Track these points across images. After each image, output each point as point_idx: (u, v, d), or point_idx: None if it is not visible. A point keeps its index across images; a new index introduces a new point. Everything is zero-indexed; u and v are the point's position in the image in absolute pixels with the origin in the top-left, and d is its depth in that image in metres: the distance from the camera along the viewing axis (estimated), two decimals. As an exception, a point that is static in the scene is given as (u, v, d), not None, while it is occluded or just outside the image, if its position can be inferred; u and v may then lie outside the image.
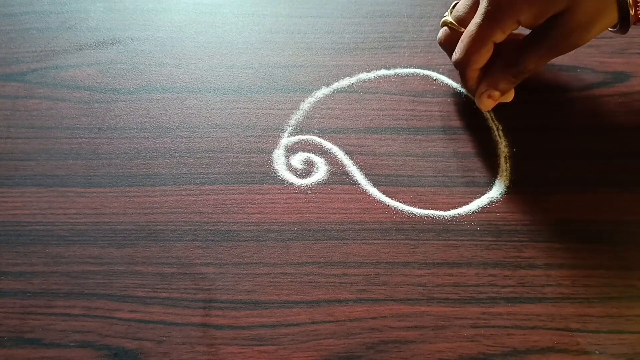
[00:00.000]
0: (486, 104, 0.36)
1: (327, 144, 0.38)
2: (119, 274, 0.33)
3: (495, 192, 0.36)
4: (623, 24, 0.31)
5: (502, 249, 0.34)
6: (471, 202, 0.35)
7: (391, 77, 0.41)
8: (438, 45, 0.39)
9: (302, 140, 0.38)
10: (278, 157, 0.37)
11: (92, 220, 0.35)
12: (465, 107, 0.39)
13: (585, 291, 0.32)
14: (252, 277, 0.33)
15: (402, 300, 0.32)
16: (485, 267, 0.33)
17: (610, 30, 0.33)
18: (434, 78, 0.41)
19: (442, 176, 0.36)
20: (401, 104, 0.40)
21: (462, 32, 0.34)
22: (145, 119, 0.39)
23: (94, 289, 0.32)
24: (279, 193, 0.36)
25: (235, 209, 0.35)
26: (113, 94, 0.40)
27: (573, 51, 0.42)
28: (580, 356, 0.30)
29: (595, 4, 0.30)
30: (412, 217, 0.35)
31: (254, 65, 0.41)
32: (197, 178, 0.36)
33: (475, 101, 0.36)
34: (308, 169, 0.37)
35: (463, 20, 0.34)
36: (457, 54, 0.34)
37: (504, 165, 0.37)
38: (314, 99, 0.40)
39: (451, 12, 0.36)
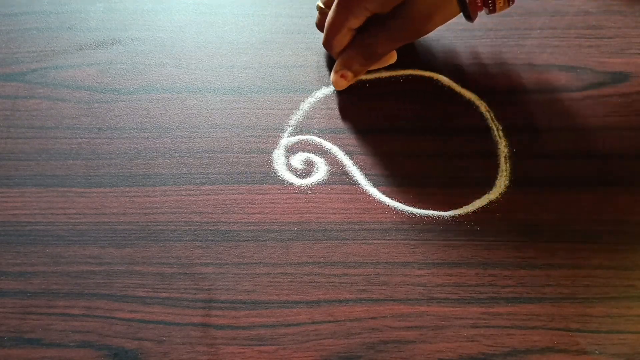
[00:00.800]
0: (339, 84, 0.38)
1: (327, 144, 0.38)
2: (119, 274, 0.33)
3: (495, 192, 0.36)
4: (465, 14, 0.34)
5: (502, 249, 0.34)
6: (471, 202, 0.35)
7: (391, 77, 0.41)
8: (437, 45, 0.39)
9: (302, 140, 0.38)
10: (278, 157, 0.37)
11: (92, 220, 0.35)
12: (465, 107, 0.39)
13: (585, 291, 0.32)
14: (252, 277, 0.33)
15: (402, 300, 0.32)
16: (485, 267, 0.33)
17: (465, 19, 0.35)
18: (434, 78, 0.41)
19: (442, 176, 0.36)
20: (401, 104, 0.40)
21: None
22: (145, 119, 0.39)
23: (94, 289, 0.32)
24: (279, 193, 0.36)
25: (235, 209, 0.35)
26: (113, 94, 0.40)
27: (573, 51, 0.42)
28: (580, 356, 0.30)
29: None
30: (412, 217, 0.35)
31: (254, 65, 0.41)
32: (197, 178, 0.36)
33: (331, 78, 0.38)
34: (308, 169, 0.37)
35: (329, 3, 0.37)
36: (323, 37, 0.37)
37: (504, 165, 0.37)
38: (314, 99, 0.40)
39: None
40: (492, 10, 0.34)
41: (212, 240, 0.34)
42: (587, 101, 0.39)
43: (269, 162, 0.37)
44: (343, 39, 0.36)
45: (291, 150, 0.38)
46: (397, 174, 0.36)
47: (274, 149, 0.38)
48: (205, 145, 0.38)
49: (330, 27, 0.36)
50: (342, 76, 0.37)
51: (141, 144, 0.38)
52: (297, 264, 0.33)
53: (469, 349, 0.31)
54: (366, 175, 0.36)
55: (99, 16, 0.45)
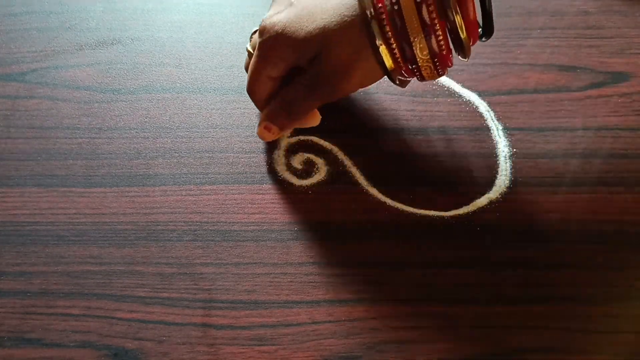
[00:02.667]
0: (264, 136, 0.35)
1: (327, 144, 0.38)
2: (119, 274, 0.33)
3: (495, 192, 0.36)
4: (389, 78, 0.31)
5: (502, 249, 0.34)
6: (471, 202, 0.35)
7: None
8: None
9: (302, 140, 0.38)
10: (278, 157, 0.37)
11: (92, 220, 0.35)
12: (465, 107, 0.39)
13: (585, 291, 0.32)
14: (252, 277, 0.33)
15: (402, 300, 0.32)
16: (485, 267, 0.33)
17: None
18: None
19: (442, 176, 0.36)
20: (401, 104, 0.40)
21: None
22: (146, 119, 0.39)
23: (94, 289, 0.32)
24: (279, 193, 0.36)
25: (236, 209, 0.35)
26: (113, 94, 0.40)
27: (573, 51, 0.42)
28: (580, 356, 0.30)
29: (349, 52, 0.30)
30: (412, 217, 0.35)
31: (254, 65, 0.41)
32: (197, 178, 0.36)
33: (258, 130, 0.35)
34: (308, 169, 0.37)
35: (254, 44, 0.34)
36: (247, 84, 0.34)
37: (504, 165, 0.37)
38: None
39: (250, 39, 0.36)
40: (421, 79, 0.31)
41: (212, 240, 0.34)
42: (587, 101, 0.39)
43: (269, 162, 0.37)
44: (263, 87, 0.33)
45: (291, 150, 0.38)
46: (397, 174, 0.36)
47: (274, 149, 0.38)
48: (205, 145, 0.38)
49: (251, 73, 0.33)
50: (265, 128, 0.34)
51: (141, 144, 0.38)
52: (297, 264, 0.33)
53: (469, 349, 0.31)
54: (366, 175, 0.36)
55: (99, 16, 0.45)
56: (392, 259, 0.33)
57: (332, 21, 0.30)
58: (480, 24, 0.30)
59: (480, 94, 0.40)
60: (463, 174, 0.36)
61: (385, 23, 0.28)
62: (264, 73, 0.32)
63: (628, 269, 0.33)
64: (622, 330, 0.31)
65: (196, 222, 0.35)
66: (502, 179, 0.36)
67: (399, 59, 0.29)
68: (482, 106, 0.39)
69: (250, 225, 0.35)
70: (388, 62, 0.29)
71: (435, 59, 0.29)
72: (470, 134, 0.38)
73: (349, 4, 0.30)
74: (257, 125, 0.37)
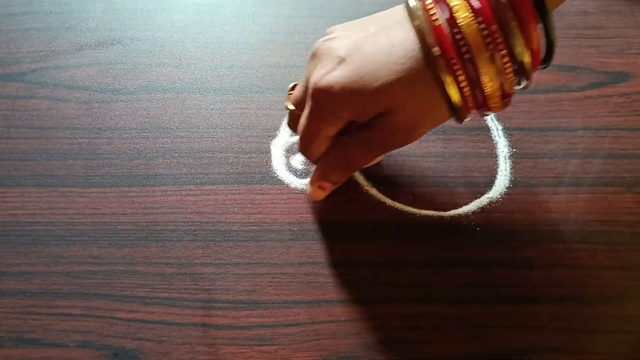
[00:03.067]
0: (316, 195, 0.34)
1: (327, 144, 0.38)
2: (119, 274, 0.33)
3: (495, 192, 0.36)
4: (456, 118, 0.29)
5: (502, 249, 0.34)
6: (471, 202, 0.35)
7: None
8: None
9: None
10: (278, 157, 0.37)
11: (92, 220, 0.35)
12: (465, 107, 0.39)
13: (585, 291, 0.32)
14: (252, 277, 0.33)
15: (402, 300, 0.32)
16: (485, 267, 0.33)
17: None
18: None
19: (442, 176, 0.36)
20: (401, 104, 0.40)
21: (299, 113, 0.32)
22: (145, 119, 0.39)
23: (94, 289, 0.32)
24: (279, 193, 0.36)
25: (235, 209, 0.35)
26: (113, 94, 0.40)
27: (573, 51, 0.42)
28: (580, 356, 0.30)
29: (420, 105, 0.28)
30: (412, 217, 0.35)
31: (254, 65, 0.41)
32: (197, 178, 0.36)
33: (309, 188, 0.34)
34: (308, 169, 0.37)
35: (300, 104, 0.32)
36: (299, 144, 0.32)
37: (504, 165, 0.37)
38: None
39: (289, 95, 0.34)
40: (486, 113, 0.29)
41: (212, 240, 0.34)
42: (587, 101, 0.39)
43: (268, 162, 0.37)
44: (320, 147, 0.31)
45: (291, 150, 0.38)
46: (397, 174, 0.36)
47: (274, 149, 0.38)
48: (205, 145, 0.38)
49: (305, 135, 0.31)
50: (320, 187, 0.33)
51: (141, 144, 0.38)
52: (297, 264, 0.33)
53: (469, 349, 0.31)
54: (366, 175, 0.36)
55: (99, 16, 0.45)
56: (392, 259, 0.33)
57: (400, 78, 0.27)
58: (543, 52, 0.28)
59: (480, 94, 0.40)
60: (463, 174, 0.36)
61: (454, 62, 0.26)
62: (321, 134, 0.30)
63: (628, 269, 0.33)
64: (622, 330, 0.31)
65: (196, 222, 0.35)
66: (502, 179, 0.36)
67: (468, 98, 0.27)
68: (482, 106, 0.39)
69: (250, 225, 0.35)
70: (458, 100, 0.27)
71: (505, 97, 0.28)
72: (470, 134, 0.38)
73: (412, 56, 0.27)
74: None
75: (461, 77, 0.26)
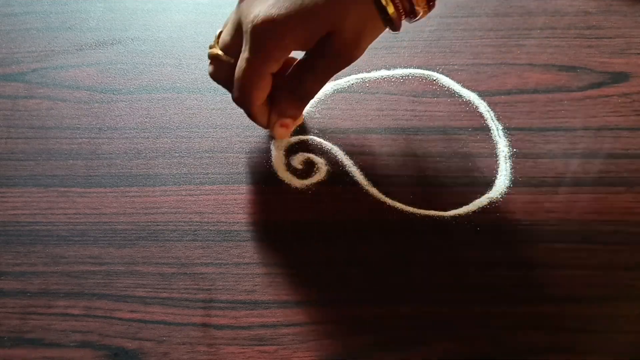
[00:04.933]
0: (281, 133, 0.34)
1: (327, 144, 0.38)
2: (119, 274, 0.33)
3: (495, 192, 0.36)
4: (392, 27, 0.31)
5: (502, 249, 0.34)
6: (471, 202, 0.35)
7: (391, 77, 0.41)
8: (436, 45, 0.39)
9: (302, 140, 0.38)
10: (278, 157, 0.37)
11: (92, 220, 0.35)
12: (465, 107, 0.39)
13: (585, 291, 0.32)
14: (252, 277, 0.33)
15: (402, 300, 0.32)
16: (485, 267, 0.33)
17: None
18: (434, 78, 0.41)
19: (442, 176, 0.36)
20: (401, 104, 0.40)
21: (233, 62, 0.32)
22: (146, 119, 0.39)
23: (94, 289, 0.32)
24: (279, 193, 0.36)
25: (236, 209, 0.35)
26: (113, 94, 0.40)
27: (573, 51, 0.42)
28: (580, 356, 0.30)
29: (357, 21, 0.29)
30: (412, 217, 0.35)
31: (254, 65, 0.41)
32: (197, 178, 0.36)
33: (270, 133, 0.34)
34: (308, 169, 0.37)
35: (231, 49, 0.32)
36: (236, 92, 0.32)
37: (504, 165, 0.37)
38: (314, 99, 0.40)
39: (217, 43, 0.33)
40: (414, 18, 0.31)
41: (212, 240, 0.34)
42: (587, 101, 0.39)
43: (269, 162, 0.37)
44: (266, 88, 0.31)
45: (291, 150, 0.38)
46: (397, 174, 0.36)
47: (274, 149, 0.38)
48: (205, 145, 0.38)
49: (248, 78, 0.31)
50: (282, 125, 0.34)
51: (141, 144, 0.38)
52: (297, 264, 0.33)
53: (469, 349, 0.31)
54: (366, 175, 0.36)
55: (99, 16, 0.45)
56: (392, 259, 0.33)
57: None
58: None
59: (480, 94, 0.40)
60: (463, 174, 0.36)
61: None
62: (267, 71, 0.31)
63: (628, 269, 0.33)
64: (622, 330, 0.31)
65: (196, 222, 0.35)
66: (502, 179, 0.36)
67: (398, 4, 0.29)
68: (482, 106, 0.39)
69: (250, 225, 0.35)
70: (393, 14, 0.29)
71: (430, 1, 0.30)
72: (470, 134, 0.38)
73: None
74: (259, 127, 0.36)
75: None
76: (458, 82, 0.40)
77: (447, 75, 0.41)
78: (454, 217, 0.35)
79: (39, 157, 0.37)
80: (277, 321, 0.31)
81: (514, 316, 0.31)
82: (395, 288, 0.32)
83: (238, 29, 0.31)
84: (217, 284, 0.32)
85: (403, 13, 0.30)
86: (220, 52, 0.32)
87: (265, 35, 0.29)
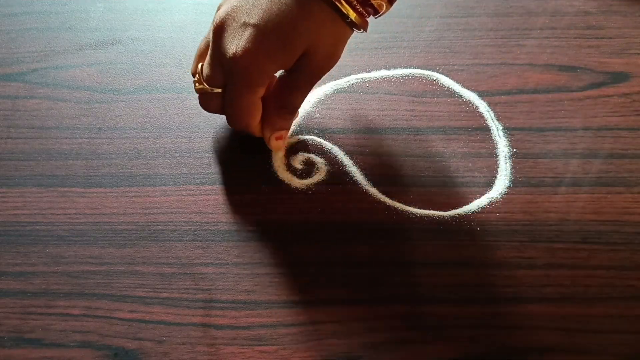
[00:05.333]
0: (277, 145, 0.36)
1: (327, 144, 0.38)
2: (119, 274, 0.33)
3: (495, 192, 0.36)
4: (358, 28, 0.32)
5: (502, 249, 0.34)
6: (471, 202, 0.35)
7: (391, 77, 0.41)
8: (437, 45, 0.39)
9: (302, 140, 0.38)
10: (278, 158, 0.37)
11: (92, 220, 0.35)
12: (465, 107, 0.39)
13: (585, 291, 0.32)
14: (252, 277, 0.33)
15: (402, 300, 0.32)
16: (485, 267, 0.33)
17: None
18: (434, 78, 0.41)
19: (442, 176, 0.36)
20: (401, 104, 0.40)
21: (221, 91, 0.33)
22: (146, 119, 0.39)
23: (94, 289, 0.32)
24: (279, 193, 0.36)
25: (235, 209, 0.35)
26: (113, 94, 0.40)
27: (573, 51, 0.42)
28: (580, 356, 0.30)
29: (328, 34, 0.31)
30: (412, 217, 0.35)
31: (254, 65, 0.41)
32: (197, 178, 0.36)
33: (268, 146, 0.36)
34: (308, 169, 0.37)
35: (216, 81, 0.33)
36: (233, 123, 0.35)
37: (504, 165, 0.37)
38: (314, 99, 0.40)
39: (200, 77, 0.34)
40: (379, 13, 0.33)
41: (212, 240, 0.34)
42: (587, 101, 0.39)
43: (269, 162, 0.37)
44: (257, 112, 0.34)
45: (291, 150, 0.38)
46: (397, 174, 0.36)
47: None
48: (205, 145, 0.38)
49: (239, 108, 0.33)
50: (277, 138, 0.35)
51: (141, 144, 0.38)
52: (297, 264, 0.33)
53: (469, 349, 0.31)
54: (366, 175, 0.36)
55: (99, 16, 0.45)
56: (392, 259, 0.33)
57: (303, 18, 0.30)
58: None
59: (480, 94, 0.40)
60: (463, 174, 0.36)
61: None
62: (257, 99, 0.33)
63: (627, 269, 0.33)
64: (622, 330, 0.31)
65: (196, 222, 0.35)
66: (502, 179, 0.36)
67: (359, 9, 0.31)
68: (482, 106, 0.39)
69: (250, 225, 0.35)
70: (356, 18, 0.31)
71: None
72: (470, 134, 0.38)
73: None
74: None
75: None
76: (458, 82, 0.40)
77: (447, 75, 0.41)
78: (454, 217, 0.35)
79: (39, 157, 0.37)
80: (277, 321, 0.31)
81: (513, 316, 0.31)
82: (395, 288, 0.32)
83: (218, 63, 0.32)
84: (217, 284, 0.32)
85: (365, 14, 0.32)
86: (207, 87, 0.34)
87: (248, 67, 0.31)
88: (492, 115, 0.39)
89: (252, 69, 0.31)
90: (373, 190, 0.36)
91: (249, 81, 0.32)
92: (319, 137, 0.38)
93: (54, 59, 0.42)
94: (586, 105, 0.39)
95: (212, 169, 0.37)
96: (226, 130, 0.38)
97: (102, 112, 0.39)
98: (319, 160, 0.37)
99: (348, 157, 0.37)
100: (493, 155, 0.37)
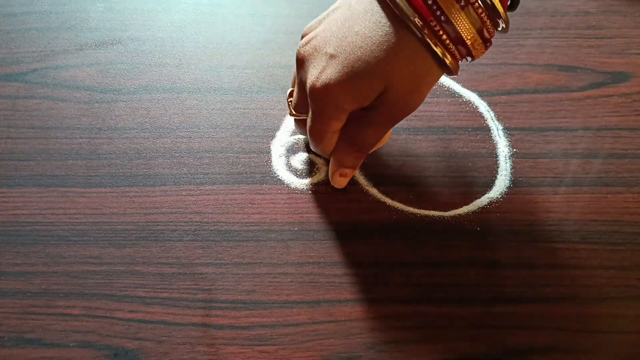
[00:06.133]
0: (339, 182, 0.35)
1: (327, 144, 0.38)
2: (119, 274, 0.33)
3: (495, 192, 0.36)
4: (449, 72, 0.30)
5: (502, 249, 0.34)
6: (471, 202, 0.35)
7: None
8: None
9: (302, 140, 0.38)
10: (278, 157, 0.37)
11: (92, 220, 0.35)
12: (465, 107, 0.39)
13: (585, 291, 0.32)
14: (253, 277, 0.33)
15: (402, 300, 0.32)
16: (485, 267, 0.33)
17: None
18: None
19: (442, 176, 0.36)
20: (401, 104, 0.40)
21: (307, 117, 0.33)
22: (146, 119, 0.39)
23: (94, 289, 0.32)
24: (279, 193, 0.36)
25: (236, 209, 0.35)
26: (113, 94, 0.40)
27: (573, 51, 0.42)
28: (580, 356, 0.30)
29: (412, 74, 0.29)
30: (412, 217, 0.35)
31: (254, 65, 0.41)
32: (197, 178, 0.36)
33: (330, 179, 0.35)
34: (308, 169, 0.37)
35: (302, 107, 0.33)
36: (310, 144, 0.34)
37: (504, 165, 0.37)
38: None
39: (290, 103, 0.34)
40: (472, 58, 0.30)
41: (212, 240, 0.34)
42: (587, 101, 0.39)
43: (268, 162, 0.37)
44: (331, 141, 0.33)
45: (291, 150, 0.38)
46: (397, 174, 0.37)
47: (274, 149, 0.38)
48: (206, 145, 0.38)
49: (315, 135, 0.32)
50: (341, 175, 0.34)
51: (141, 144, 0.38)
52: (297, 264, 0.33)
53: (469, 349, 0.31)
54: (366, 175, 0.36)
55: (99, 16, 0.45)
56: (392, 259, 0.33)
57: (388, 55, 0.28)
58: None
59: (480, 94, 0.40)
60: (463, 174, 0.36)
61: (434, 24, 0.27)
62: (329, 130, 0.32)
63: (627, 269, 0.33)
64: (622, 330, 0.31)
65: (196, 222, 0.35)
66: (502, 179, 0.36)
67: (455, 53, 0.29)
68: (482, 106, 0.39)
69: (250, 225, 0.35)
70: (448, 60, 0.29)
71: (487, 42, 0.29)
72: (470, 134, 0.38)
73: (390, 32, 0.28)
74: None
75: (444, 37, 0.28)
76: (458, 82, 0.40)
77: (446, 76, 0.41)
78: (454, 217, 0.35)
79: (39, 157, 0.37)
80: (277, 321, 0.31)
81: (513, 316, 0.31)
82: (395, 288, 0.32)
83: (302, 89, 0.32)
84: (217, 284, 0.32)
85: (460, 58, 0.30)
86: (294, 112, 0.34)
87: (323, 100, 0.30)
88: (492, 115, 0.39)
89: (328, 102, 0.30)
90: (373, 190, 0.36)
91: (324, 113, 0.31)
92: (319, 137, 0.38)
93: (54, 59, 0.42)
94: (586, 105, 0.39)
95: (212, 169, 0.37)
96: (226, 130, 0.38)
97: (102, 112, 0.39)
98: (319, 160, 0.37)
99: (348, 157, 0.37)
100: (493, 155, 0.37)
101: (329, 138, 0.32)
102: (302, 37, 0.32)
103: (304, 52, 0.31)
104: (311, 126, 0.32)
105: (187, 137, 0.38)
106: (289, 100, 0.35)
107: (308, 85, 0.30)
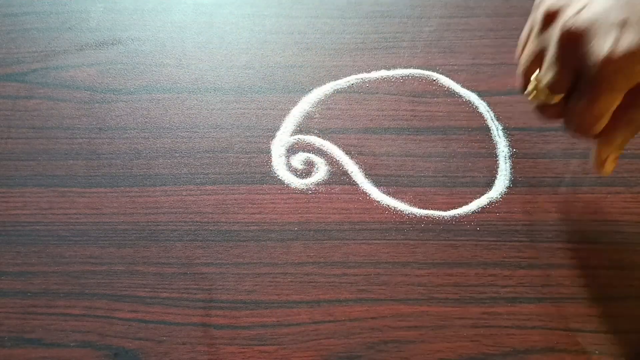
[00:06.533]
0: (609, 170, 0.31)
1: (327, 144, 0.38)
2: (119, 274, 0.33)
3: (495, 192, 0.36)
4: None
5: (502, 249, 0.34)
6: (471, 202, 0.35)
7: (391, 78, 0.41)
8: (436, 45, 0.39)
9: (302, 140, 0.38)
10: (278, 157, 0.37)
11: (92, 220, 0.35)
12: (465, 107, 0.39)
13: (585, 291, 0.32)
14: (253, 277, 0.33)
15: (402, 300, 0.32)
16: (485, 267, 0.33)
17: None
18: (434, 78, 0.41)
19: (442, 176, 0.36)
20: (401, 104, 0.40)
21: (558, 101, 0.30)
22: (146, 119, 0.39)
23: (94, 289, 0.32)
24: (279, 193, 0.36)
25: (236, 209, 0.35)
26: (113, 94, 0.40)
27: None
28: (580, 356, 0.30)
29: None
30: (412, 217, 0.35)
31: (254, 65, 0.41)
32: (197, 178, 0.36)
33: (596, 167, 0.31)
34: (308, 169, 0.37)
35: (561, 88, 0.29)
36: (581, 132, 0.30)
37: (504, 165, 0.37)
38: (314, 99, 0.40)
39: (535, 82, 0.30)
40: None
41: (212, 240, 0.34)
42: (587, 101, 0.39)
43: (269, 162, 0.37)
44: (604, 122, 0.29)
45: (291, 150, 0.38)
46: (397, 174, 0.37)
47: (274, 149, 0.38)
48: (206, 145, 0.38)
49: (593, 115, 0.28)
50: (614, 160, 0.30)
51: (141, 144, 0.38)
52: (297, 264, 0.33)
53: (469, 349, 0.31)
54: (366, 175, 0.36)
55: (99, 16, 0.45)
56: (392, 259, 0.33)
57: None
58: None
59: (480, 94, 0.40)
60: (463, 174, 0.37)
61: None
62: (614, 105, 0.28)
63: (627, 269, 0.33)
64: (622, 330, 0.31)
65: (196, 222, 0.35)
66: (502, 179, 0.36)
67: None
68: (482, 106, 0.39)
69: (250, 225, 0.35)
70: None
71: None
72: (470, 134, 0.38)
73: None
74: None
75: None
76: (458, 82, 0.40)
77: (447, 76, 0.41)
78: (454, 217, 0.35)
79: (39, 157, 0.37)
80: (277, 321, 0.31)
81: (513, 316, 0.31)
82: (395, 288, 0.32)
83: (567, 65, 0.29)
84: (217, 284, 0.32)
85: None
86: (544, 86, 0.30)
87: (623, 72, 0.27)
88: (492, 115, 0.39)
89: (628, 72, 0.27)
90: (373, 190, 0.36)
91: (615, 87, 0.27)
92: (319, 137, 0.38)
93: (54, 59, 0.42)
94: (586, 105, 0.39)
95: (212, 169, 0.37)
96: (226, 130, 0.38)
97: (102, 112, 0.39)
98: (319, 160, 0.37)
99: (348, 157, 0.37)
100: (493, 155, 0.37)
101: (606, 117, 0.28)
102: (548, 15, 0.29)
103: (579, 25, 0.27)
104: (593, 106, 0.28)
105: (187, 137, 0.38)
106: (535, 79, 0.30)
107: (601, 58, 0.26)
